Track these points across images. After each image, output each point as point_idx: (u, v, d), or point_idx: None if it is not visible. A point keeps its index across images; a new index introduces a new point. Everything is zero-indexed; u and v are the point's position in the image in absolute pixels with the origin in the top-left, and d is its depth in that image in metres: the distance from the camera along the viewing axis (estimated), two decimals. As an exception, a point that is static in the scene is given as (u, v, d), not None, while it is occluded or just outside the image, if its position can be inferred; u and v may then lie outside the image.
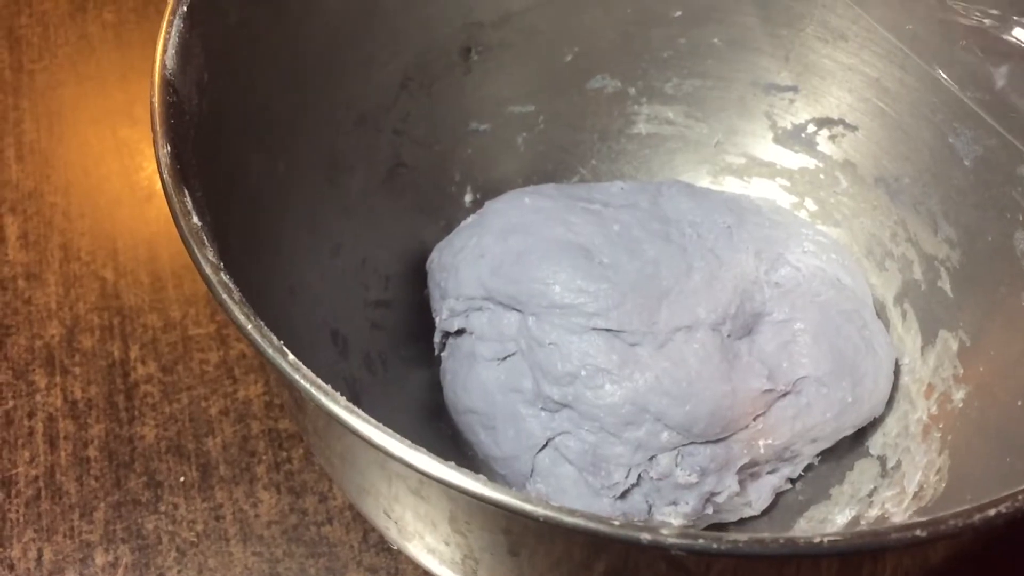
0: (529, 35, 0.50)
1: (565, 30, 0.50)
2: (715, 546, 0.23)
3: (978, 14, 0.34)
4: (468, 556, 0.30)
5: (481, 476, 0.24)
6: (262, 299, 0.35)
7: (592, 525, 0.24)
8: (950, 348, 0.45)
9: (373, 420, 0.25)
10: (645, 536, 0.23)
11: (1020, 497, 0.24)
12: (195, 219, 0.29)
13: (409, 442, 0.25)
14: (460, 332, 0.46)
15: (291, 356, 0.26)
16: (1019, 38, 0.33)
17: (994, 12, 0.34)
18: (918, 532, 0.23)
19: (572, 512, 0.24)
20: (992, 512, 0.23)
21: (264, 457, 0.50)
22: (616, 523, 0.23)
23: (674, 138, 0.53)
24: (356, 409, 0.25)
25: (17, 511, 0.49)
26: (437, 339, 0.47)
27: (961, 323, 0.44)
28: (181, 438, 0.51)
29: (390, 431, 0.25)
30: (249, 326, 0.27)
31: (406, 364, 0.48)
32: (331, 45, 0.43)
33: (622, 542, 0.24)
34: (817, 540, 0.23)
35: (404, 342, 0.49)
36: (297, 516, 0.49)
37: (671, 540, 0.23)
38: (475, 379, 0.45)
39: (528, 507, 0.24)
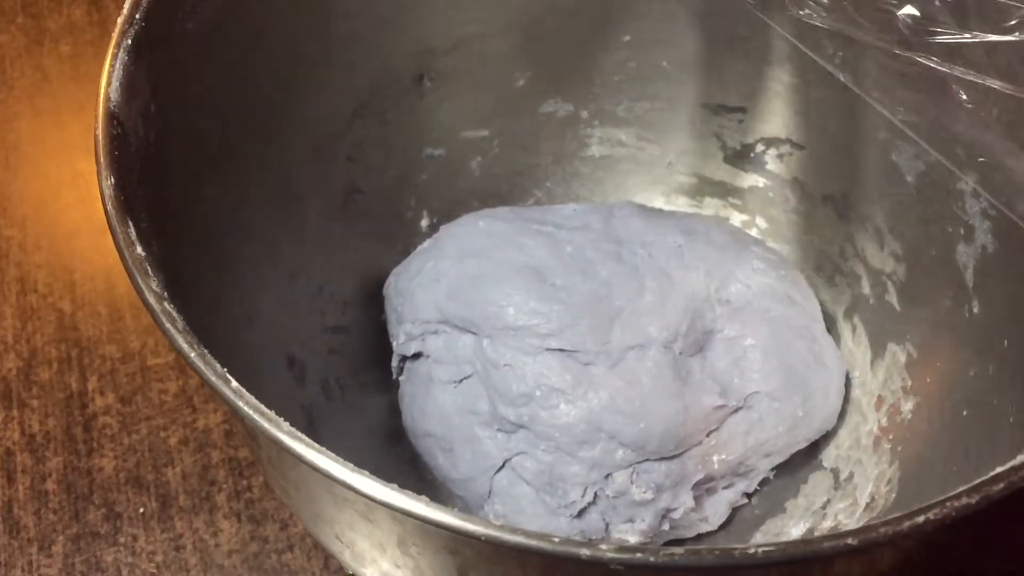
0: (481, 61, 0.50)
1: (516, 56, 0.51)
2: (652, 559, 0.23)
3: (903, 40, 0.35)
4: (419, 578, 0.30)
5: (423, 498, 0.25)
6: (215, 327, 0.35)
7: (533, 543, 0.24)
8: (898, 360, 0.45)
9: (316, 445, 0.25)
10: (584, 552, 0.24)
11: (948, 504, 0.24)
12: (139, 249, 0.29)
13: (352, 466, 0.25)
14: (417, 356, 0.47)
15: (234, 383, 0.27)
16: (939, 62, 0.34)
17: (920, 36, 0.35)
18: (849, 540, 0.24)
19: (514, 531, 0.24)
20: (920, 519, 0.24)
21: (224, 486, 0.50)
22: (556, 540, 0.24)
23: (627, 160, 0.54)
24: (299, 435, 0.26)
25: (-26, 547, 0.48)
26: (395, 363, 0.48)
27: (908, 336, 0.45)
28: (140, 469, 0.51)
29: (334, 456, 0.25)
30: (192, 354, 0.27)
31: (364, 389, 0.48)
32: (282, 75, 0.43)
33: (562, 559, 0.24)
34: (752, 551, 0.23)
35: (362, 367, 0.49)
36: (258, 544, 0.48)
37: (610, 555, 0.23)
38: (432, 402, 0.45)
39: (470, 527, 0.24)
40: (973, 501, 0.24)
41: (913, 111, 0.37)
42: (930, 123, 0.37)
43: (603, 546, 0.24)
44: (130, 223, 0.29)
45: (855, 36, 0.35)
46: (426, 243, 0.49)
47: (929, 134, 0.37)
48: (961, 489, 0.25)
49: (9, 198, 0.60)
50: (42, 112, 0.65)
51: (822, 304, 0.49)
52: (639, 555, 0.24)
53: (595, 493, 0.42)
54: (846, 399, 0.47)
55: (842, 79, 0.38)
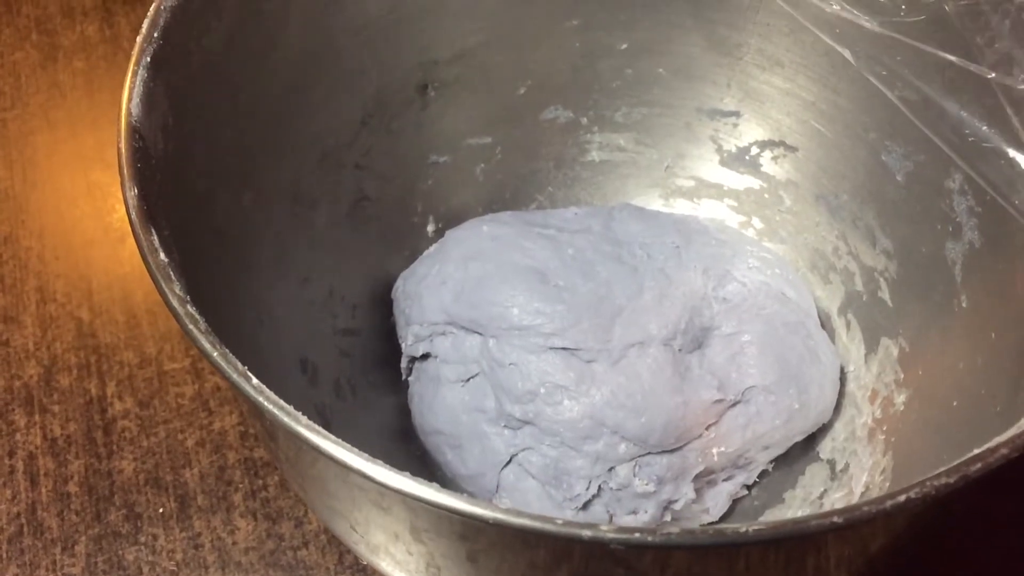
0: (483, 70, 0.52)
1: (517, 65, 0.53)
2: (650, 539, 0.25)
3: (901, 19, 0.36)
4: (430, 564, 0.32)
5: (434, 484, 0.26)
6: (232, 329, 0.37)
7: (537, 525, 0.25)
8: (891, 354, 0.47)
9: (332, 436, 0.27)
10: (586, 533, 0.25)
11: (928, 484, 0.26)
12: (162, 256, 0.31)
13: (367, 455, 0.27)
14: (425, 357, 0.48)
15: (255, 380, 0.28)
16: (937, 45, 0.36)
17: (917, 19, 0.36)
18: (835, 519, 0.25)
19: (519, 514, 0.26)
20: (902, 498, 0.25)
21: (240, 486, 0.52)
22: (559, 522, 0.25)
23: (626, 164, 0.56)
24: (316, 427, 0.27)
25: None
26: (404, 364, 0.49)
27: (901, 330, 0.47)
28: (159, 470, 0.52)
29: (349, 446, 0.27)
30: (215, 353, 0.28)
31: (375, 390, 0.50)
32: (293, 85, 0.45)
33: (566, 539, 0.25)
34: (744, 530, 0.25)
35: (372, 368, 0.50)
36: (274, 541, 0.50)
37: (610, 536, 0.25)
38: (441, 401, 0.46)
39: (478, 511, 0.26)
40: (952, 480, 0.26)
41: (909, 88, 0.38)
42: (923, 101, 0.38)
43: (603, 527, 0.25)
44: (153, 231, 0.31)
45: (849, 18, 0.36)
46: (432, 247, 0.51)
47: (924, 116, 0.39)
48: (940, 470, 0.26)
49: (27, 210, 0.62)
50: (57, 126, 0.66)
51: (817, 301, 0.51)
52: (637, 535, 0.25)
53: (599, 486, 0.44)
54: (841, 393, 0.48)
55: (844, 55, 0.39)
